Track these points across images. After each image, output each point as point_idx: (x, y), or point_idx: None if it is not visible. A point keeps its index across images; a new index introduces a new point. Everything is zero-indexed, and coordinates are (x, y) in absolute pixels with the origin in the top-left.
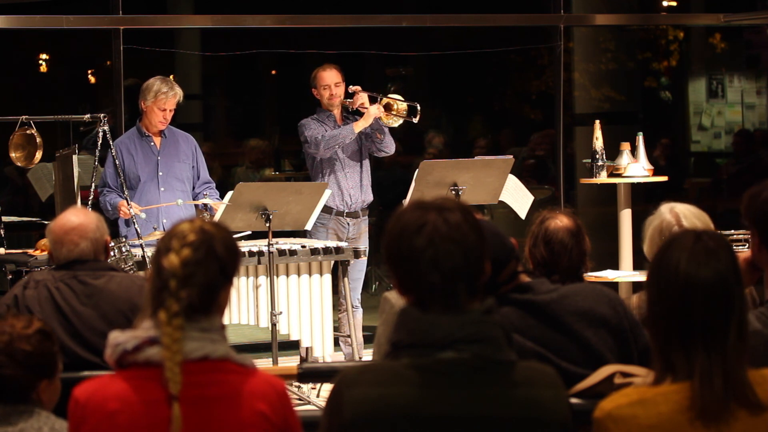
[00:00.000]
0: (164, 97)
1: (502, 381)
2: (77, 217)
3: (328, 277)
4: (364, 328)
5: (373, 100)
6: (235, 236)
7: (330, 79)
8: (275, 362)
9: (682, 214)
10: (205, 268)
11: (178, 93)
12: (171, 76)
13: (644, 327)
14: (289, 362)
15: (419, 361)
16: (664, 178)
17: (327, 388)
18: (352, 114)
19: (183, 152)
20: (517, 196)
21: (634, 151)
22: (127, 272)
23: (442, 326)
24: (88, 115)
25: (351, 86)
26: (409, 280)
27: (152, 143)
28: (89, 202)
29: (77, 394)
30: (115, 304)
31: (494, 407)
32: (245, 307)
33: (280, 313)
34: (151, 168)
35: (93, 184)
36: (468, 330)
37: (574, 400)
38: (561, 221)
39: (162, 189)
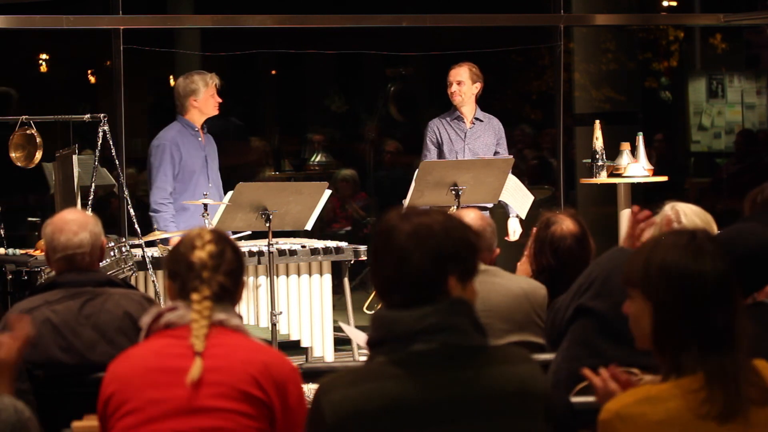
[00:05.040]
0: (212, 81)
1: (478, 362)
2: (75, 214)
3: (328, 277)
4: None
5: None
6: (235, 236)
7: (451, 76)
8: None
9: (683, 212)
10: (228, 256)
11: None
12: (170, 77)
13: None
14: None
15: (393, 357)
16: (664, 178)
17: None
18: (480, 120)
19: (215, 151)
20: (517, 196)
21: (634, 151)
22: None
23: (403, 320)
24: (88, 115)
25: None
26: (373, 276)
27: (199, 138)
28: (89, 203)
29: (110, 366)
30: (115, 323)
31: (475, 387)
32: (245, 307)
33: (280, 313)
34: (201, 162)
35: (93, 184)
36: (428, 321)
37: (577, 399)
38: (566, 227)
39: (210, 185)
